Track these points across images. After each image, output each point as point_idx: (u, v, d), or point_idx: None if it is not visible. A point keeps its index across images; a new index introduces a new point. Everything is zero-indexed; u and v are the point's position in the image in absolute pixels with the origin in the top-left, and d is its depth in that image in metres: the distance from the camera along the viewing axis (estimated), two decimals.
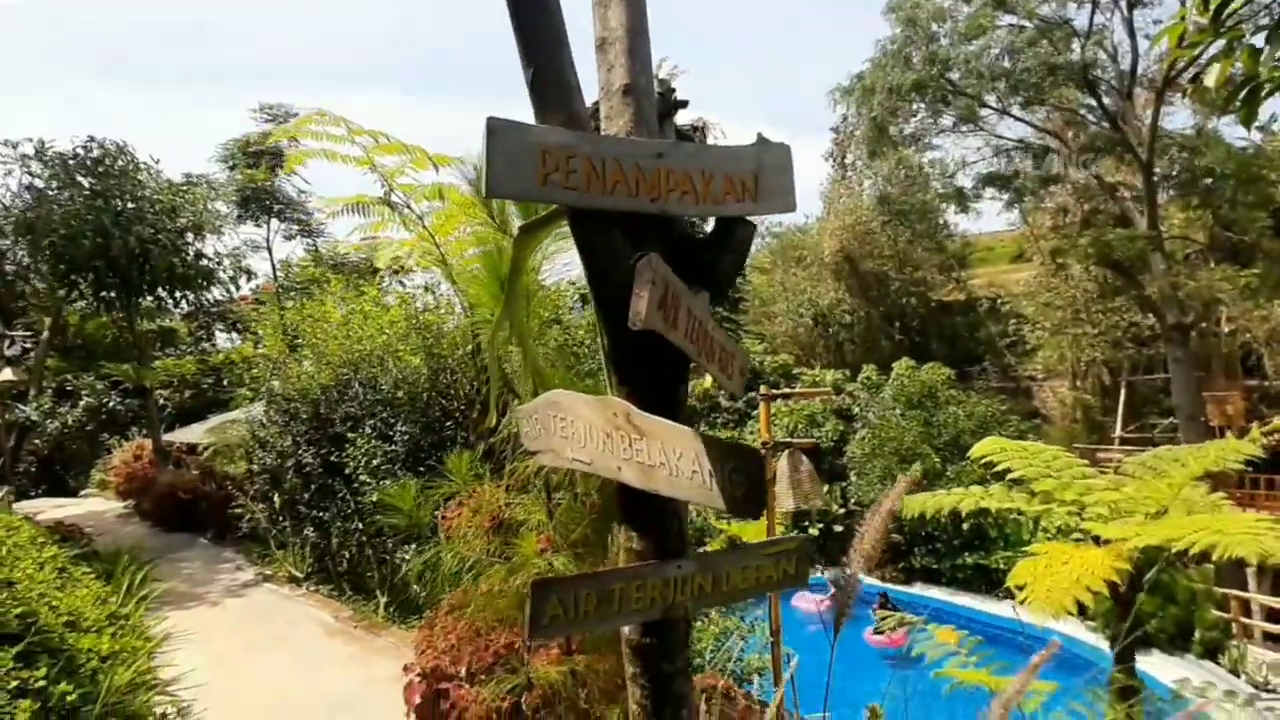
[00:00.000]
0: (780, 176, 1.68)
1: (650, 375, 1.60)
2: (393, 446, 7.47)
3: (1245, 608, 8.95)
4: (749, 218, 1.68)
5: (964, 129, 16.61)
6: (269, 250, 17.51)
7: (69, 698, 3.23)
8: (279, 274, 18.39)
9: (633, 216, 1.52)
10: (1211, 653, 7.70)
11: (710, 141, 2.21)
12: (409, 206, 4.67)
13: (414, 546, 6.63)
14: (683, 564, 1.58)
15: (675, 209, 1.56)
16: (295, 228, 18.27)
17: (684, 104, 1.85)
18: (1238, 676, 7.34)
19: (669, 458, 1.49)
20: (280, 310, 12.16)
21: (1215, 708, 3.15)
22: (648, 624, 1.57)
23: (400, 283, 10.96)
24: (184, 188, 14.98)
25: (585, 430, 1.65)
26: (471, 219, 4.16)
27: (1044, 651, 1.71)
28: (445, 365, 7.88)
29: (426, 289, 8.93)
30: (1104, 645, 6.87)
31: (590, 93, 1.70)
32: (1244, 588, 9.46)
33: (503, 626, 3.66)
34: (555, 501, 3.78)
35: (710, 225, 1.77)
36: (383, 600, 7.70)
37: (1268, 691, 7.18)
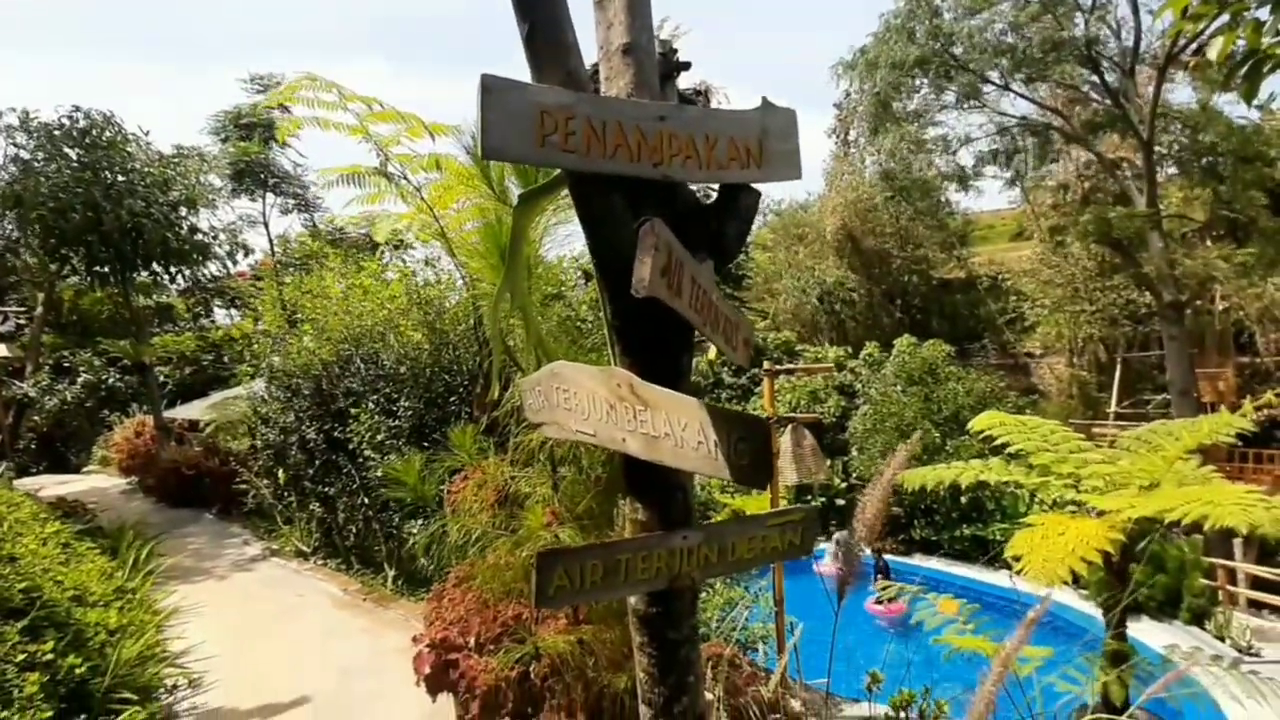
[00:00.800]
0: (785, 142, 1.63)
1: (654, 345, 1.58)
2: (396, 421, 7.48)
3: (1231, 576, 9.15)
4: (754, 185, 1.64)
5: (967, 106, 16.33)
6: (265, 225, 17.26)
7: (77, 670, 3.27)
8: (276, 249, 18.16)
9: (634, 181, 1.48)
10: (1199, 619, 7.87)
11: (713, 106, 2.15)
12: (406, 178, 4.58)
13: (420, 520, 6.68)
14: (688, 534, 1.58)
15: (678, 174, 1.51)
16: (291, 202, 17.98)
17: (686, 66, 1.77)
18: (1223, 641, 7.52)
19: (674, 428, 1.48)
20: (279, 286, 12.05)
21: (1202, 671, 3.22)
22: (654, 593, 1.58)
23: (400, 258, 10.86)
24: (175, 159, 14.68)
25: (589, 401, 1.63)
26: (470, 190, 4.09)
27: (1038, 607, 1.74)
28: (447, 340, 7.84)
29: (427, 263, 8.85)
30: (1096, 613, 7.01)
31: (589, 55, 1.64)
32: (1230, 557, 9.64)
33: (510, 598, 3.71)
34: (560, 475, 3.80)
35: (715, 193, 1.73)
36: (390, 573, 7.79)
37: (1251, 655, 7.38)
